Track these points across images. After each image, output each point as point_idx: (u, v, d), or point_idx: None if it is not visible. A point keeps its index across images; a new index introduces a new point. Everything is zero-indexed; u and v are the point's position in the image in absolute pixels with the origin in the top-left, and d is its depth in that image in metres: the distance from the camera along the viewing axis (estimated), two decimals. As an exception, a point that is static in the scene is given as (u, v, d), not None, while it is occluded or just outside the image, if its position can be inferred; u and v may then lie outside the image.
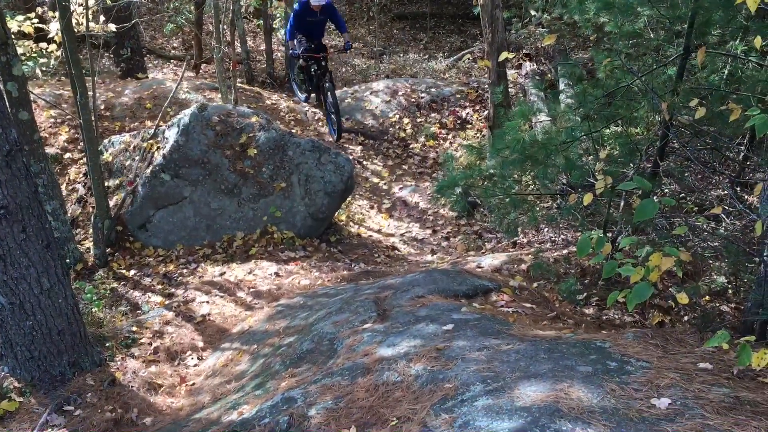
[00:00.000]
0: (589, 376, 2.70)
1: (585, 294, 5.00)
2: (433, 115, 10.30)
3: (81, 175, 7.87)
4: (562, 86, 8.86)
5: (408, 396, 2.88)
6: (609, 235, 5.25)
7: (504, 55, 4.27)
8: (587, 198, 3.71)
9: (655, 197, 5.02)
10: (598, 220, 5.76)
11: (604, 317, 4.75)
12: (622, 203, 5.16)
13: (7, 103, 4.72)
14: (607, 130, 5.09)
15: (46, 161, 6.11)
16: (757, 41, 3.46)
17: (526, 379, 2.76)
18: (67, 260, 6.36)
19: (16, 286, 4.02)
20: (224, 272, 6.42)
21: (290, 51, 9.42)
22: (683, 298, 2.87)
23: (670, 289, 4.95)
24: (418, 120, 10.20)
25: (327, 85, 9.22)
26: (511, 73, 10.20)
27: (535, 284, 5.12)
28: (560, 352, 3.02)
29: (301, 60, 9.46)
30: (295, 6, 9.12)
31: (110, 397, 4.30)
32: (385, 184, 9.00)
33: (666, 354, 2.93)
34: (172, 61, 13.31)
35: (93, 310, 5.54)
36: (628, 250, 4.30)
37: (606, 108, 5.01)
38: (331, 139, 9.58)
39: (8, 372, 4.30)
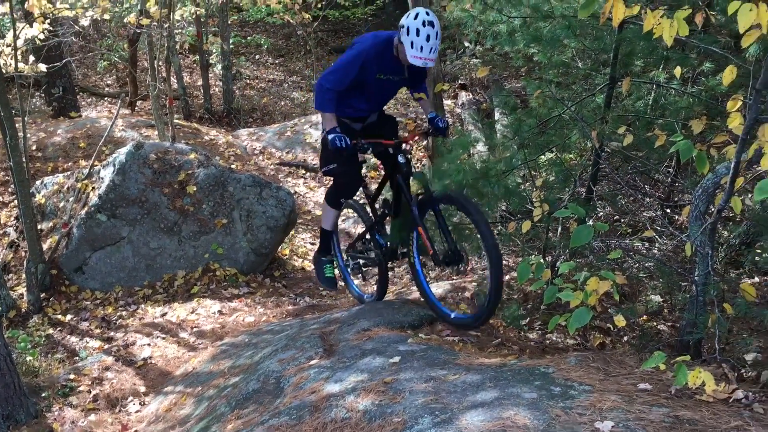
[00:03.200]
0: (534, 402, 2.74)
1: (528, 319, 5.08)
2: (373, 146, 10.37)
3: (12, 219, 7.62)
4: (497, 115, 9.08)
5: (357, 432, 2.86)
6: (549, 259, 5.37)
7: (438, 86, 4.35)
8: (525, 225, 3.80)
9: (590, 221, 5.17)
10: (538, 246, 5.89)
11: (548, 341, 4.82)
12: (559, 229, 5.29)
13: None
14: (543, 158, 5.24)
15: (-26, 206, 5.90)
16: (677, 70, 3.64)
17: (473, 408, 2.78)
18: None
19: (-57, 339, 3.85)
20: (166, 313, 6.28)
21: (329, 138, 4.16)
22: (620, 320, 2.96)
23: (609, 310, 5.07)
24: (359, 151, 10.26)
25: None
26: (448, 103, 10.40)
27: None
28: (506, 379, 3.06)
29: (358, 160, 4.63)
30: (358, 47, 4.25)
31: (48, 450, 4.13)
32: (321, 213, 8.98)
33: (607, 376, 3.00)
34: (106, 98, 13.10)
35: (28, 359, 5.32)
36: (567, 274, 4.40)
37: (540, 136, 5.15)
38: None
39: (-64, 430, 4.10)
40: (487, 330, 4.58)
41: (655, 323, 5.22)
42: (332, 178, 4.86)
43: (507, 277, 6.09)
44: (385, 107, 4.82)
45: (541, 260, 3.46)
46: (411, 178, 4.38)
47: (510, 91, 8.57)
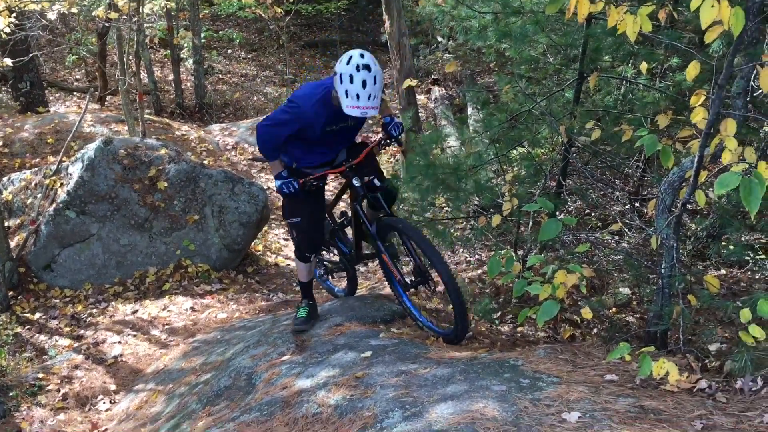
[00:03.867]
0: (503, 395, 2.77)
1: (500, 312, 5.12)
2: (346, 141, 10.37)
3: (-22, 216, 7.47)
4: (470, 110, 9.12)
5: (328, 427, 2.87)
6: (520, 253, 5.42)
7: (407, 82, 4.36)
8: (495, 219, 3.83)
9: (560, 215, 5.22)
10: (509, 240, 5.93)
11: (519, 334, 4.87)
12: (530, 223, 5.33)
13: None
14: (514, 152, 5.28)
15: (-62, 203, 5.78)
16: (643, 66, 3.69)
17: (443, 401, 2.80)
18: (-35, 307, 6.01)
19: None
20: (137, 310, 6.22)
21: (276, 186, 4.08)
22: (587, 312, 3.00)
23: (579, 303, 5.13)
24: (332, 147, 10.24)
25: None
26: (420, 98, 10.42)
27: (450, 305, 5.20)
28: (475, 372, 3.09)
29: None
30: (294, 109, 3.85)
31: (16, 450, 4.07)
32: (300, 212, 8.96)
33: (575, 368, 3.05)
34: (75, 93, 12.90)
35: (-6, 358, 5.24)
36: (537, 267, 4.45)
37: (511, 131, 5.19)
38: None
39: None
40: (458, 324, 4.61)
41: (623, 315, 5.29)
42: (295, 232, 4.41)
43: (479, 271, 6.14)
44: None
45: (512, 254, 3.49)
46: (374, 197, 4.14)
47: (482, 86, 8.64)
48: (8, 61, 6.95)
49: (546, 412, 2.59)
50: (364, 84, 3.54)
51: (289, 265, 7.67)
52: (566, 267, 2.97)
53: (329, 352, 3.79)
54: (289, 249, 8.15)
